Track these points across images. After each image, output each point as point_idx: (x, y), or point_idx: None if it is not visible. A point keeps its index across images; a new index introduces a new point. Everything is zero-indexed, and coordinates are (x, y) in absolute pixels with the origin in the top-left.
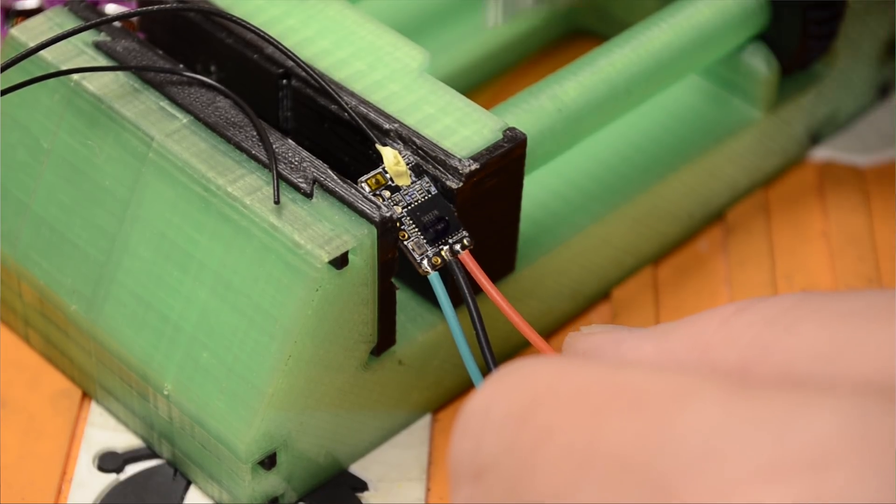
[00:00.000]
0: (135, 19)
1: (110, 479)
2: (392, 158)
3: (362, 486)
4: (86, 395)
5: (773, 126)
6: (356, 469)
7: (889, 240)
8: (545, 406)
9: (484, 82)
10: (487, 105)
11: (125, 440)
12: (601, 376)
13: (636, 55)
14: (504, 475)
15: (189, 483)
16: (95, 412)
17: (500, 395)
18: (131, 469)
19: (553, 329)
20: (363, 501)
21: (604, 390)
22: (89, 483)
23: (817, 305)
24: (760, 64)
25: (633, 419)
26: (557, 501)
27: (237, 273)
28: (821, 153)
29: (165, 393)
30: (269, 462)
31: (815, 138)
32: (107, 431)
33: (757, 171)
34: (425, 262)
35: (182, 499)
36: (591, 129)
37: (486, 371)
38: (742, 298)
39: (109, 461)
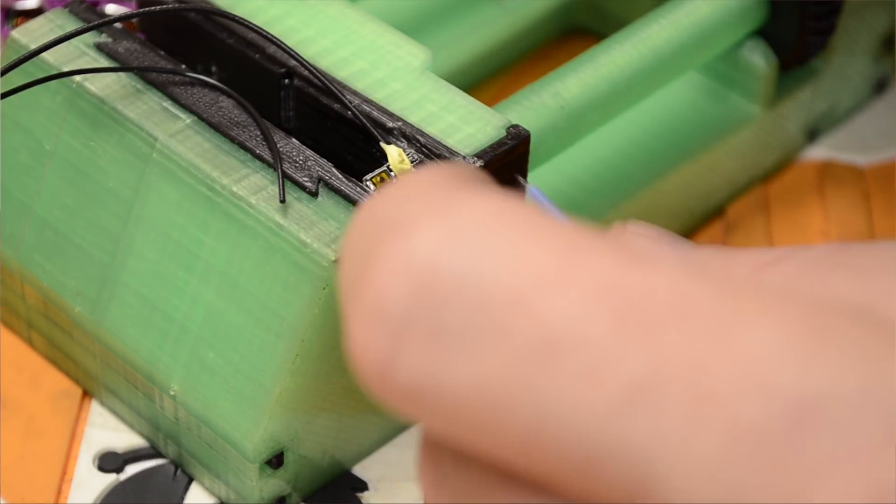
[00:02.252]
0: (135, 20)
1: (110, 479)
2: (396, 156)
3: (362, 486)
4: (86, 395)
5: (772, 121)
6: (356, 469)
7: (889, 239)
8: (562, 298)
9: (482, 80)
10: (489, 103)
11: (125, 440)
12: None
13: (637, 52)
14: (487, 360)
15: (189, 483)
16: (95, 412)
17: (475, 250)
18: (131, 469)
19: None
20: (363, 501)
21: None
22: (89, 483)
23: (849, 257)
24: (759, 60)
25: (693, 336)
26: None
27: (243, 272)
28: (821, 152)
29: (172, 394)
30: (276, 461)
31: (813, 133)
32: (107, 431)
33: (756, 166)
34: None
35: (182, 499)
36: (593, 125)
37: None
38: None
39: (109, 461)
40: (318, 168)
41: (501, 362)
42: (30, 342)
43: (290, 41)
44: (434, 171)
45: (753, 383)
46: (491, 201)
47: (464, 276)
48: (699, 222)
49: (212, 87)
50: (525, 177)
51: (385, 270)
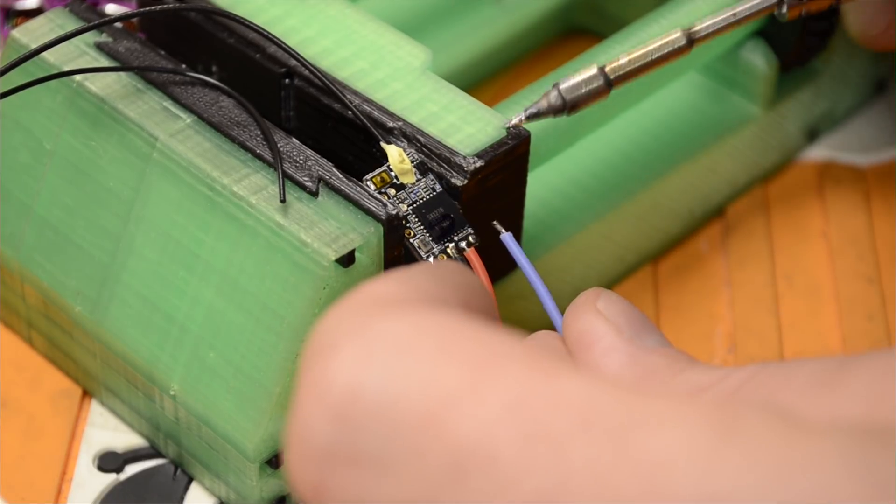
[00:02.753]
0: (135, 19)
1: (110, 479)
2: (397, 156)
3: None
4: (86, 395)
5: (772, 122)
6: None
7: (889, 240)
8: (470, 417)
9: (482, 80)
10: (490, 103)
11: (125, 440)
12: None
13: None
14: (405, 482)
15: (189, 483)
16: (95, 412)
17: (388, 373)
18: (131, 469)
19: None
20: None
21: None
22: (89, 483)
23: (768, 376)
24: (759, 60)
25: (598, 445)
26: None
27: (243, 272)
28: (820, 153)
29: (172, 393)
30: (276, 461)
31: (814, 134)
32: (107, 431)
33: (756, 166)
34: (431, 259)
35: (182, 499)
36: (593, 126)
37: None
38: (742, 298)
39: (109, 461)
40: (318, 168)
41: (416, 483)
42: (30, 342)
43: (291, 41)
44: (361, 292)
45: (655, 488)
46: (406, 321)
47: (378, 401)
48: (699, 222)
49: (212, 86)
50: (525, 178)
51: (307, 401)
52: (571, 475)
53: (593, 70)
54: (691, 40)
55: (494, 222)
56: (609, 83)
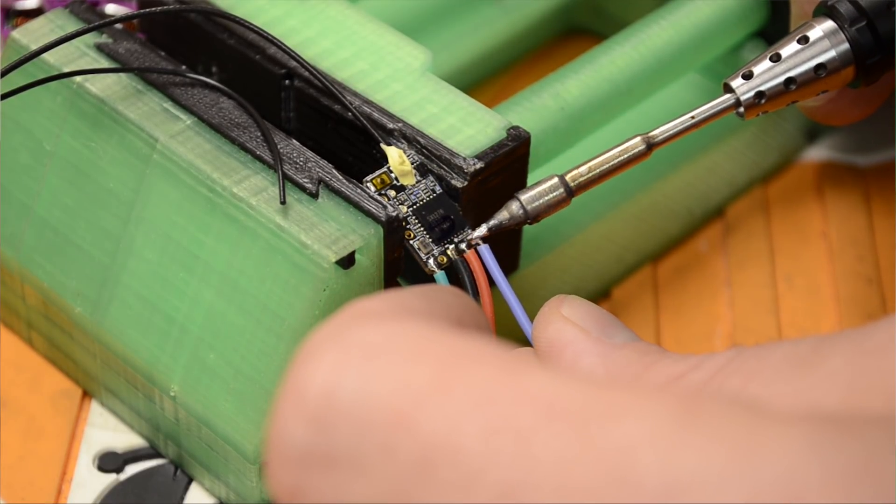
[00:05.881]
0: (135, 20)
1: (110, 479)
2: (397, 158)
3: None
4: (86, 395)
5: (771, 122)
6: None
7: (889, 240)
8: (438, 414)
9: (482, 81)
10: (490, 103)
11: (125, 440)
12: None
13: (637, 53)
14: (377, 480)
15: (189, 483)
16: (95, 412)
17: (361, 376)
18: (131, 469)
19: None
20: None
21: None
22: (89, 483)
23: (743, 362)
24: None
25: (564, 437)
26: None
27: (243, 274)
28: (820, 153)
29: (172, 394)
30: None
31: (813, 134)
32: (107, 431)
33: (755, 167)
34: (431, 261)
35: (182, 499)
36: (593, 126)
37: None
38: (742, 298)
39: (109, 461)
40: (318, 169)
41: (387, 480)
42: (30, 342)
43: (291, 42)
44: (348, 308)
45: (619, 475)
46: (383, 330)
47: (351, 402)
48: (699, 223)
49: (212, 87)
50: (525, 179)
51: (285, 406)
52: (536, 466)
53: (553, 180)
54: (650, 145)
55: (471, 235)
56: (570, 192)
